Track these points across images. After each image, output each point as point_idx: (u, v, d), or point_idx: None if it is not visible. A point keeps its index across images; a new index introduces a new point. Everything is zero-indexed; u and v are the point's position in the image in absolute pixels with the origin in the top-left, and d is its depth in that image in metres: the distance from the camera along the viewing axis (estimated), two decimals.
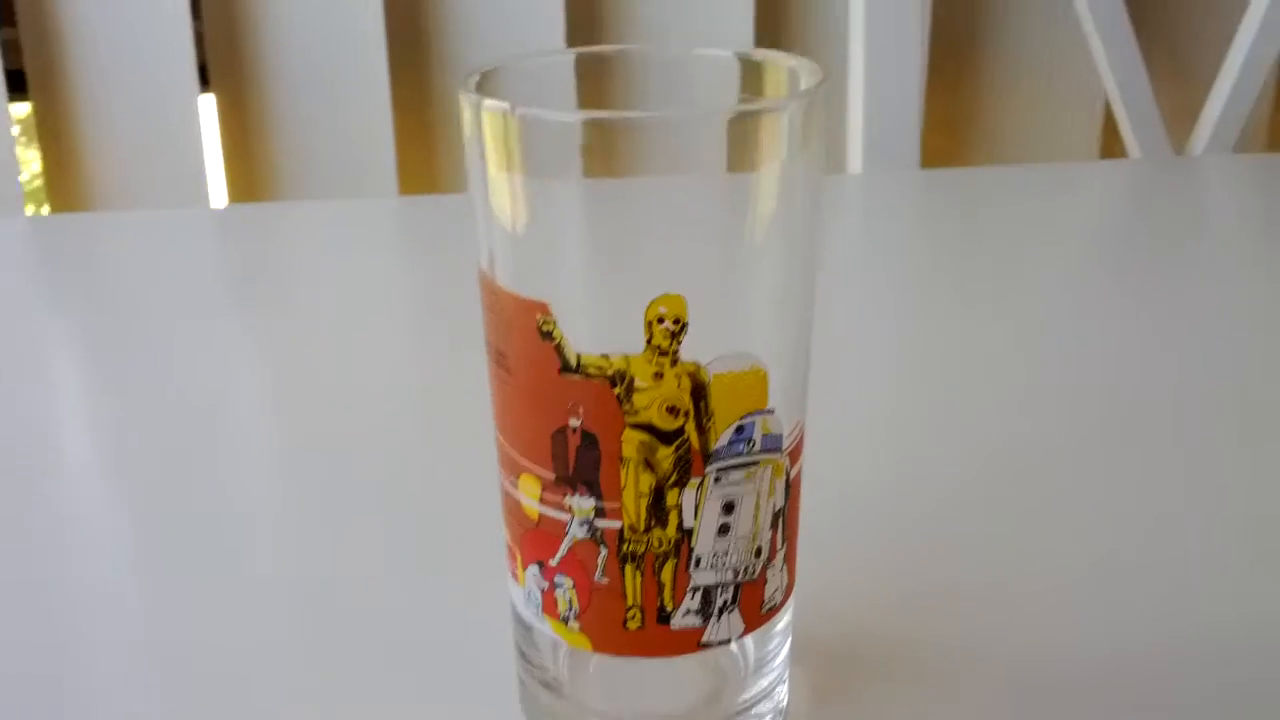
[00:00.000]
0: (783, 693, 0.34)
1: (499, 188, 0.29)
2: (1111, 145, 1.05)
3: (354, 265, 0.72)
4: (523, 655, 0.34)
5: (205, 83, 0.96)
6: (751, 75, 0.32)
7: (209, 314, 0.65)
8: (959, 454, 0.49)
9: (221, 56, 0.96)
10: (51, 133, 0.94)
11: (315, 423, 0.53)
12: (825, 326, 0.60)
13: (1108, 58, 0.95)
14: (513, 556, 0.32)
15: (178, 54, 0.92)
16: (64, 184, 0.96)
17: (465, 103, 0.29)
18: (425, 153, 1.01)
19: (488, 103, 0.28)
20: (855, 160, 0.93)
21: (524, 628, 0.33)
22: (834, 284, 0.69)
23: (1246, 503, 0.45)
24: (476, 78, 0.30)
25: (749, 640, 0.33)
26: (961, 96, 1.04)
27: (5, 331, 0.63)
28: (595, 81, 0.32)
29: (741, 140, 0.28)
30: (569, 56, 0.32)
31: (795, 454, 0.31)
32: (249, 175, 0.99)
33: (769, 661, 0.33)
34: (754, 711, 0.33)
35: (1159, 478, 0.47)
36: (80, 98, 0.93)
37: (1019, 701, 0.35)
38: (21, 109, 0.97)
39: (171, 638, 0.39)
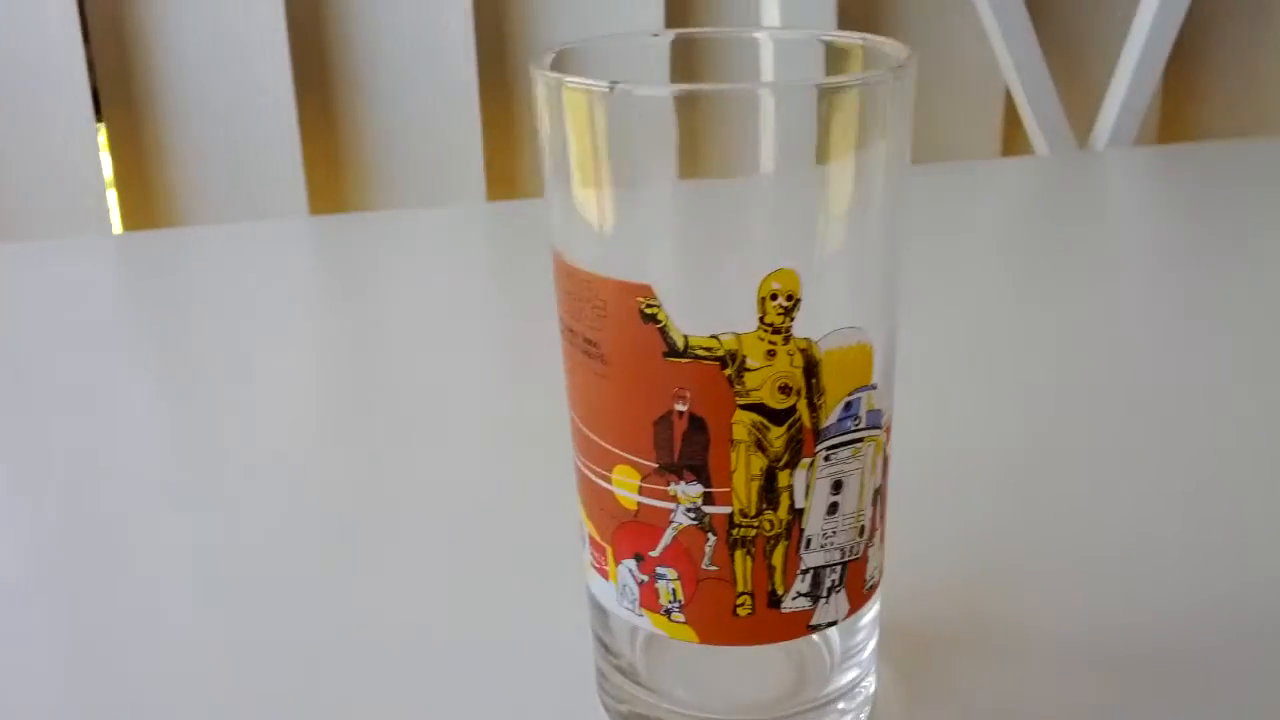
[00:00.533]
0: (870, 683, 0.34)
1: (586, 171, 0.28)
2: (1012, 143, 1.08)
3: (266, 286, 0.70)
4: (600, 643, 0.33)
5: (97, 108, 0.93)
6: (830, 57, 0.31)
7: (123, 341, 0.62)
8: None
9: (114, 81, 0.93)
10: None
11: (238, 444, 0.51)
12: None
13: (1010, 55, 0.97)
14: (599, 551, 0.31)
15: (71, 80, 0.89)
16: None
17: (543, 84, 0.28)
18: (333, 173, 0.99)
19: (577, 81, 0.27)
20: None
21: (601, 614, 0.32)
22: None
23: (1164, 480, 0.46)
24: (551, 58, 0.29)
25: (833, 632, 0.32)
26: None
27: None
28: (683, 61, 0.32)
29: (841, 115, 0.27)
30: (646, 40, 0.32)
31: (889, 430, 0.31)
32: (146, 202, 0.96)
33: (855, 655, 0.33)
34: (839, 706, 0.33)
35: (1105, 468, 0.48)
36: None
37: (1108, 679, 0.35)
38: None
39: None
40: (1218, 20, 1.09)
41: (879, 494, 0.31)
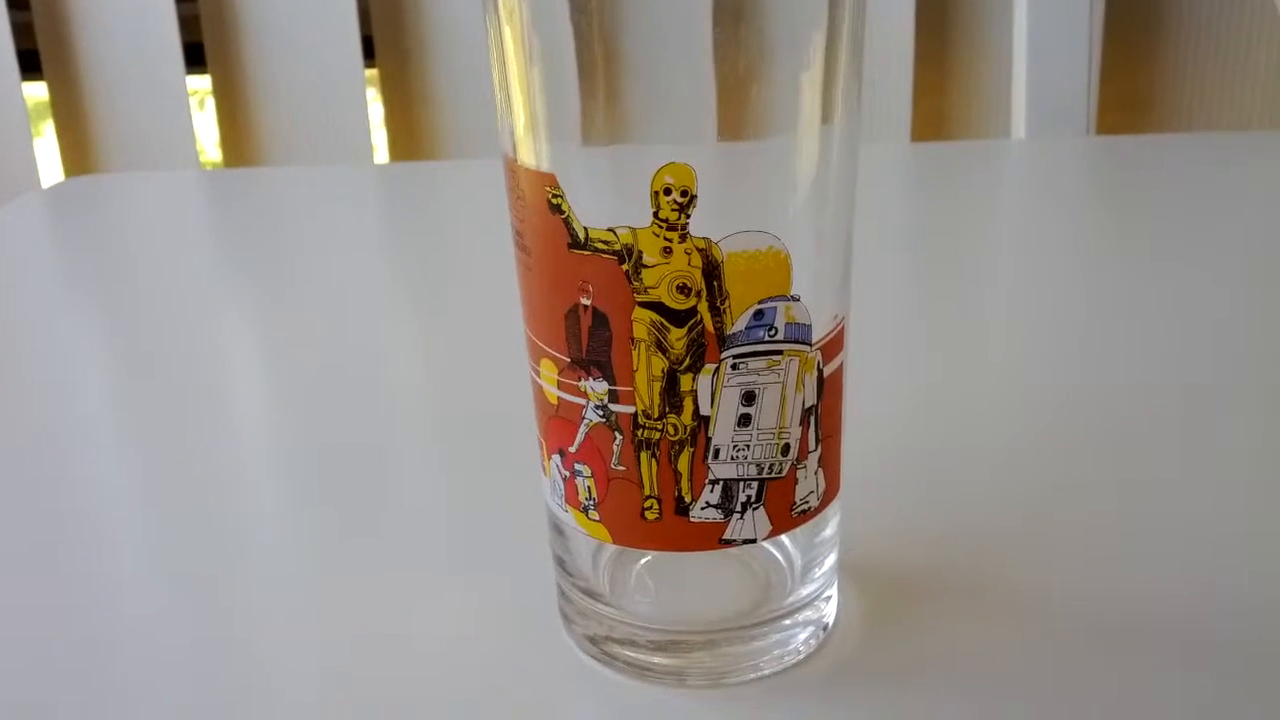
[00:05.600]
0: (828, 608, 0.33)
1: (511, 63, 0.28)
2: None
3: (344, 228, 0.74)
4: (560, 564, 0.33)
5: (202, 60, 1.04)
6: None
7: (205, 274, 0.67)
8: (1069, 409, 0.46)
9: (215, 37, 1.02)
10: (64, 107, 1.06)
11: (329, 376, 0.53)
12: (984, 286, 0.59)
13: None
14: (541, 447, 0.31)
15: (167, 37, 1.01)
16: (76, 153, 1.07)
17: None
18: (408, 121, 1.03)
19: None
20: (1019, 126, 0.89)
21: (560, 535, 0.32)
22: (996, 247, 0.67)
23: None
24: None
25: (794, 548, 0.32)
26: (1140, 73, 0.99)
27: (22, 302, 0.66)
28: None
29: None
30: None
31: (831, 349, 0.30)
32: (244, 142, 1.04)
33: (812, 570, 0.32)
34: (800, 617, 0.32)
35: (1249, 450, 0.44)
36: (88, 77, 1.04)
37: (1070, 644, 0.33)
38: (36, 88, 1.09)
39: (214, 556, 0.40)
40: None
41: (813, 414, 0.30)
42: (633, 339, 0.28)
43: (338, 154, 1.03)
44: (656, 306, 0.27)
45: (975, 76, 0.95)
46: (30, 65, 1.06)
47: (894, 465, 0.41)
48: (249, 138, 1.05)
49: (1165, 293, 0.57)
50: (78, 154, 1.07)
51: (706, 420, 0.28)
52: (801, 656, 0.32)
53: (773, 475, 0.29)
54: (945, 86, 0.96)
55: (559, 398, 0.30)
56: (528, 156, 0.28)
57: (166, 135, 1.04)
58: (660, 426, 0.28)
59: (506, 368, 0.50)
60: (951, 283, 0.60)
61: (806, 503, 0.30)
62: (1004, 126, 0.92)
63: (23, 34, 1.06)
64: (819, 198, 0.28)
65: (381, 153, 1.05)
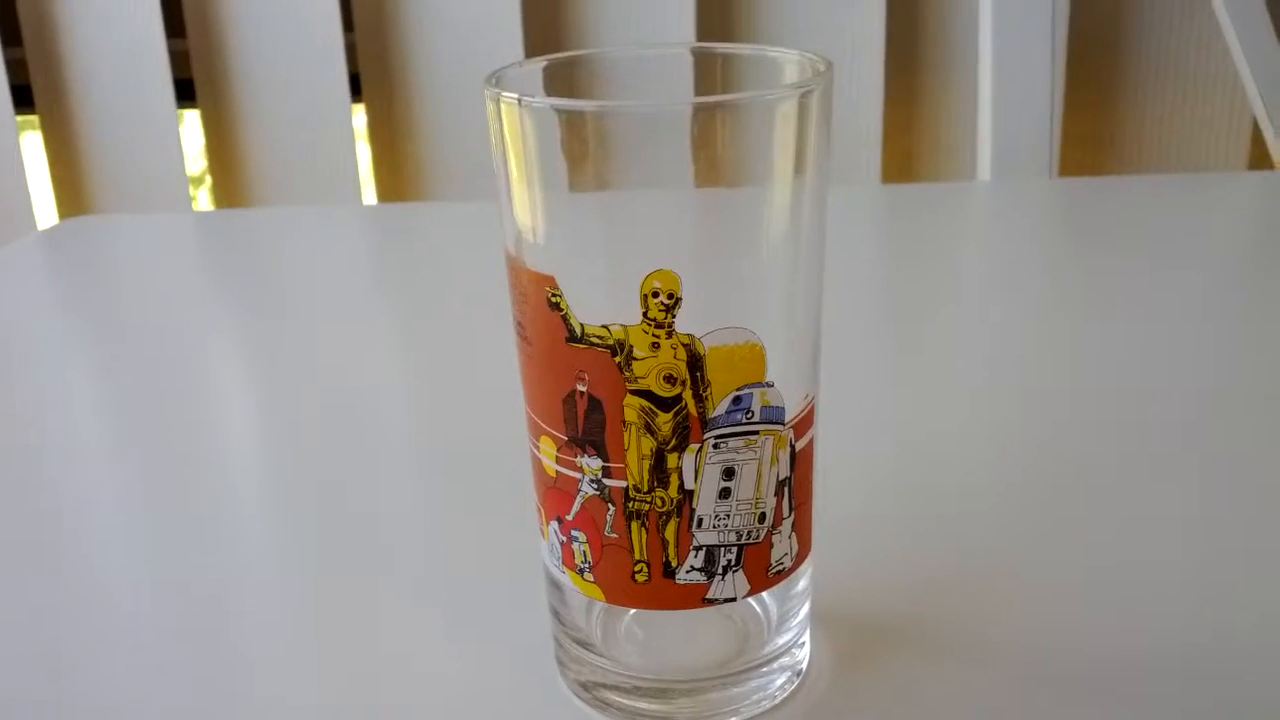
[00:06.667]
0: (802, 655, 0.36)
1: (515, 173, 0.31)
2: (1261, 158, 1.03)
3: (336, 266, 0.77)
4: (556, 616, 0.36)
5: (193, 97, 1.07)
6: (752, 69, 0.34)
7: (213, 311, 0.70)
8: (1034, 455, 0.49)
9: (204, 72, 1.05)
10: (56, 142, 1.08)
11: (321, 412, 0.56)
12: (945, 326, 0.62)
13: (1250, 69, 0.93)
14: (539, 513, 0.35)
15: (158, 73, 1.04)
16: (68, 187, 1.10)
17: (488, 97, 0.31)
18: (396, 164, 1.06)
19: (505, 95, 0.30)
20: (984, 167, 0.93)
21: (556, 589, 0.36)
22: (957, 288, 0.70)
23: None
24: (497, 76, 0.33)
25: (771, 601, 0.35)
26: (1103, 111, 1.03)
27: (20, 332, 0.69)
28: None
29: (740, 127, 0.30)
30: (589, 55, 0.35)
31: (802, 427, 0.33)
32: (234, 183, 1.08)
33: (787, 620, 0.35)
34: (777, 664, 0.35)
35: (1225, 487, 0.47)
36: (79, 112, 1.07)
37: (1031, 689, 0.36)
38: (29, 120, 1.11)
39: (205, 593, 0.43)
40: None
41: (786, 485, 0.33)
42: (625, 422, 0.31)
43: (326, 188, 1.06)
44: (646, 394, 0.31)
45: (942, 118, 0.99)
46: (22, 100, 1.09)
47: (863, 519, 0.44)
48: (238, 174, 1.08)
49: (1129, 334, 0.60)
50: (70, 188, 1.10)
51: (691, 493, 0.32)
52: (778, 700, 0.35)
53: (751, 541, 0.33)
54: (913, 125, 1.00)
55: (557, 471, 0.33)
56: (531, 261, 0.31)
57: (158, 169, 1.07)
58: (649, 499, 0.32)
59: (499, 408, 0.53)
60: (918, 327, 0.64)
61: (781, 563, 0.34)
62: (969, 167, 0.96)
63: (15, 70, 1.08)
64: (791, 299, 0.32)
65: (368, 188, 1.08)
